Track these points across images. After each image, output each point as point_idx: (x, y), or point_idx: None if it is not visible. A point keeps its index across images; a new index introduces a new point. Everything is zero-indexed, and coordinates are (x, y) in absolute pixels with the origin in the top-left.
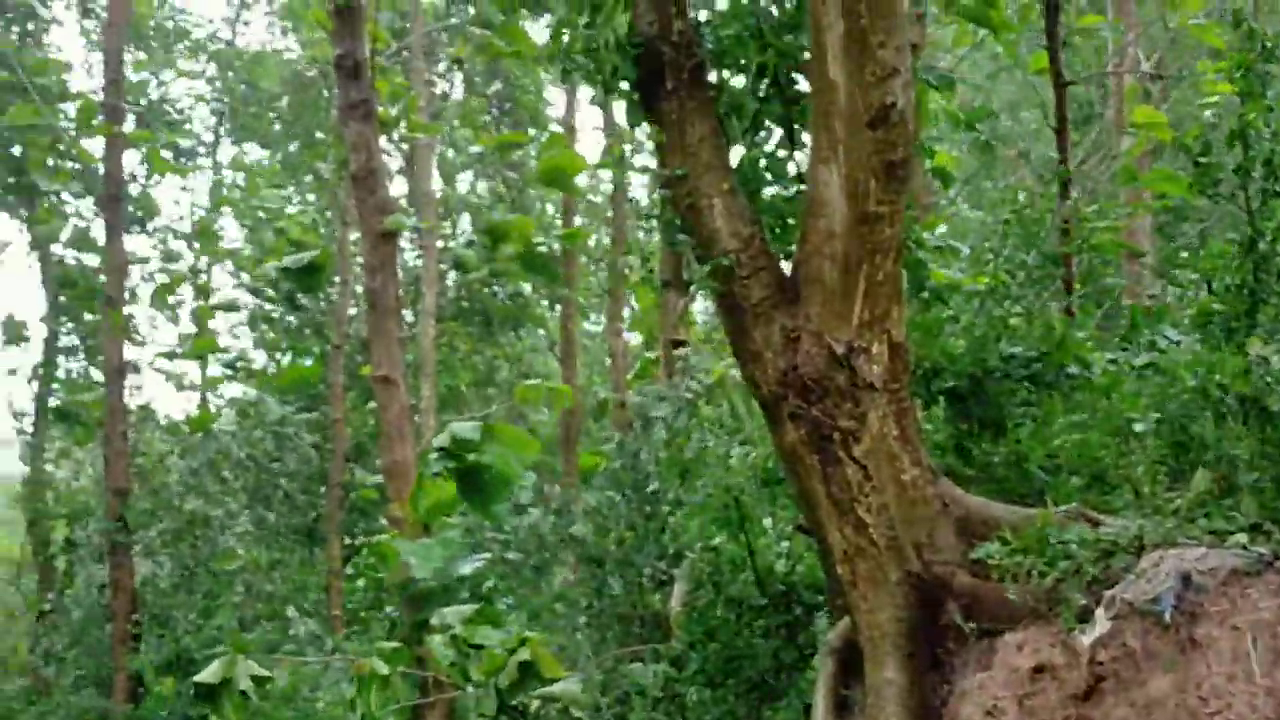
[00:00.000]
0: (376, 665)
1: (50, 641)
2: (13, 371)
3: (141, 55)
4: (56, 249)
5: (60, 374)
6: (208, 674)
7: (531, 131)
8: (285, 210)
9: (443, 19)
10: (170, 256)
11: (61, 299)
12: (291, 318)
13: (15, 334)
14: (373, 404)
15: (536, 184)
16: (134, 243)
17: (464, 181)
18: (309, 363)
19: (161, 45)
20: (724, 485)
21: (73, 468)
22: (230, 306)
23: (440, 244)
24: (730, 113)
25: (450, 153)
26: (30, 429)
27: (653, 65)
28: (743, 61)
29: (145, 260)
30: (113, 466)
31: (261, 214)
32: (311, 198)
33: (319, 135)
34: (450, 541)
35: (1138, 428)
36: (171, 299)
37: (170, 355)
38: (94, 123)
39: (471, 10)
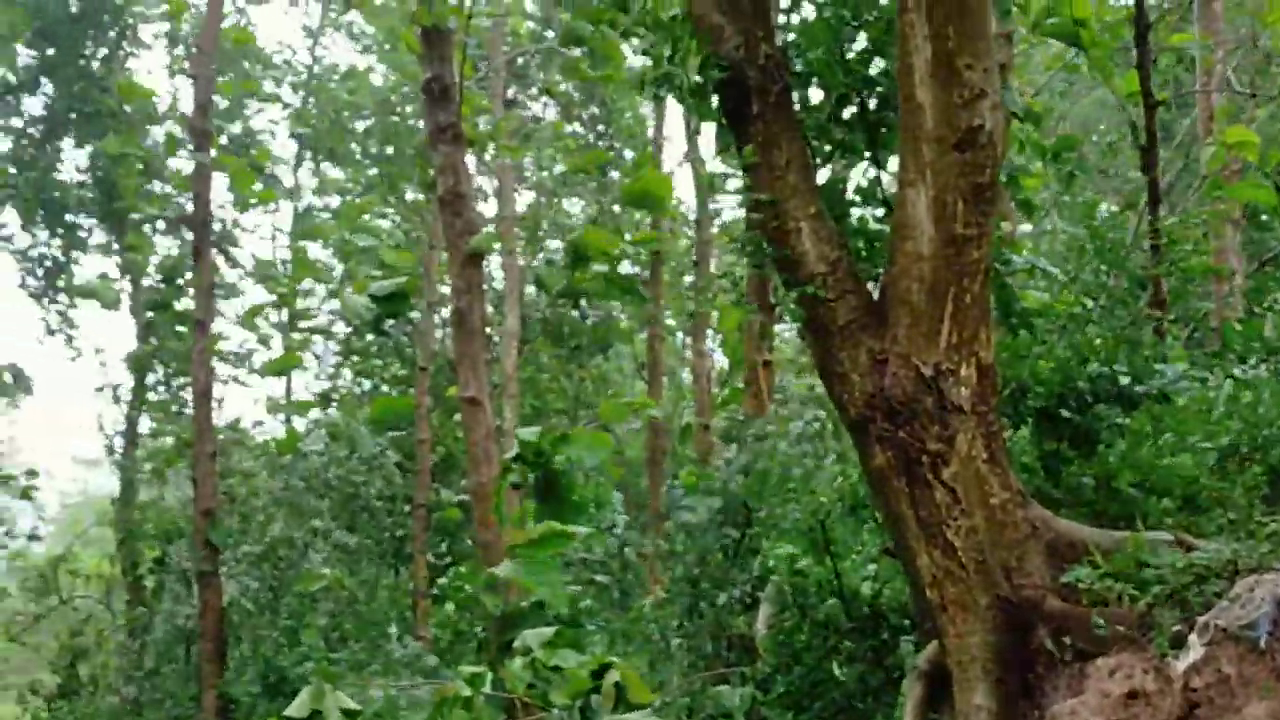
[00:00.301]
0: (461, 687)
1: (138, 660)
2: (105, 388)
3: (228, 78)
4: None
5: (150, 395)
6: (296, 706)
7: (629, 154)
8: (380, 237)
9: (538, 41)
10: (264, 279)
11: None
12: (375, 341)
13: (139, 365)
14: (457, 417)
15: (626, 205)
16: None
17: (530, 197)
18: (388, 389)
19: (240, 71)
20: (811, 508)
21: (159, 487)
22: (323, 331)
23: (521, 262)
24: (817, 136)
25: (542, 174)
26: (120, 449)
27: (739, 89)
28: (829, 85)
29: (233, 286)
30: (201, 487)
31: (350, 236)
32: (390, 217)
33: (393, 155)
34: (552, 564)
35: (1211, 456)
36: (261, 322)
37: (262, 372)
38: (181, 151)
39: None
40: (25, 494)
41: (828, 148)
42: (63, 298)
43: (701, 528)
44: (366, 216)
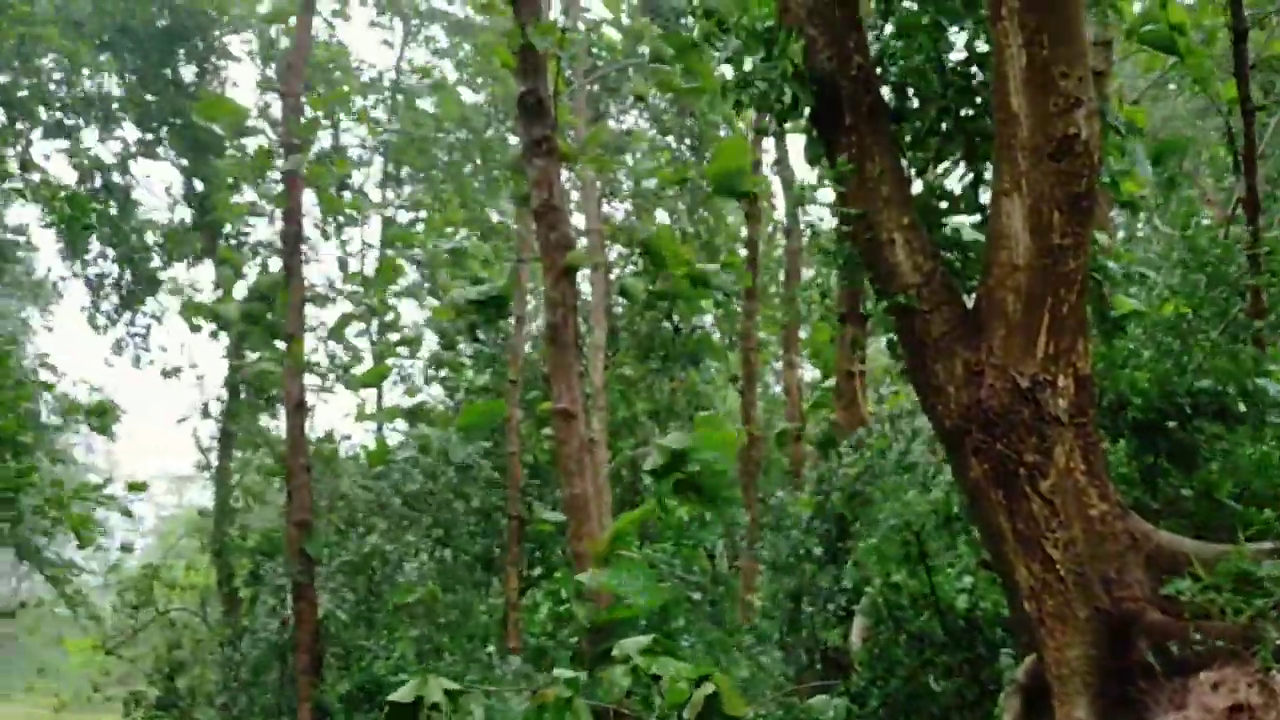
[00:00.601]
0: (560, 691)
1: (234, 672)
2: (192, 412)
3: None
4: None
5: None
6: (401, 694)
7: None
8: (469, 250)
9: (630, 55)
10: (351, 295)
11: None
12: (470, 352)
13: (234, 380)
14: (545, 430)
15: (715, 195)
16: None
17: (621, 210)
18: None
19: (330, 87)
20: (905, 520)
21: (252, 500)
22: (412, 341)
23: (613, 276)
24: (911, 146)
25: (640, 185)
26: (214, 464)
27: (831, 101)
28: (925, 93)
29: (327, 297)
30: (295, 500)
31: (438, 244)
32: (471, 232)
33: (477, 169)
34: (650, 572)
35: None
36: (351, 334)
37: (353, 385)
38: (271, 165)
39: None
40: (125, 511)
41: (921, 157)
42: (140, 320)
43: (805, 543)
44: (450, 229)
